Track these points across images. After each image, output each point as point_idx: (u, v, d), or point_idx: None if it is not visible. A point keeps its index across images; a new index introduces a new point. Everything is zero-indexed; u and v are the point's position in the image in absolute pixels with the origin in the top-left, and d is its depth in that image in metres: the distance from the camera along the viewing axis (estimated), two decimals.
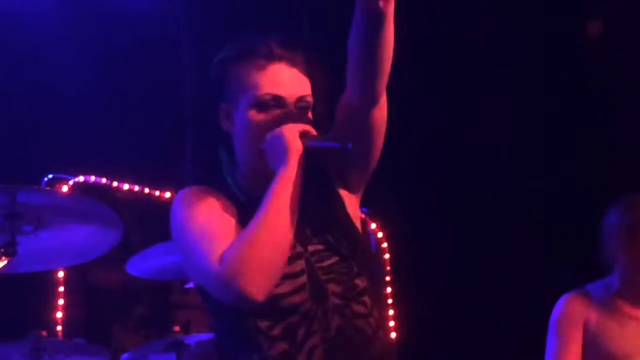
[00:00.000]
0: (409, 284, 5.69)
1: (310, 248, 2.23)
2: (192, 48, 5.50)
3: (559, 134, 5.70)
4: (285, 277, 2.16)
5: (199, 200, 2.24)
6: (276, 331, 2.15)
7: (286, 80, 2.28)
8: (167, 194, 5.25)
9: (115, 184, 5.19)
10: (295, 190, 2.15)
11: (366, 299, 2.24)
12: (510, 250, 5.54)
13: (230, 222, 2.19)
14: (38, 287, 4.87)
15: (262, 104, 2.26)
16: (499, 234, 5.55)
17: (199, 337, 4.20)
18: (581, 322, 3.42)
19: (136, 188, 5.25)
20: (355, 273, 2.24)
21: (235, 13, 4.94)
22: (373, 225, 5.72)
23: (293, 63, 2.31)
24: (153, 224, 4.91)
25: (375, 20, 2.14)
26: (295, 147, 2.18)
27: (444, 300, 5.60)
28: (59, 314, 4.89)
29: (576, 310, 3.45)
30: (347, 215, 2.32)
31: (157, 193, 5.29)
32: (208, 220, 2.19)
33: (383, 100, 2.29)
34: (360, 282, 2.24)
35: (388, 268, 5.80)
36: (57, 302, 4.92)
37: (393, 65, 2.25)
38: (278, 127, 2.22)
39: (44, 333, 3.81)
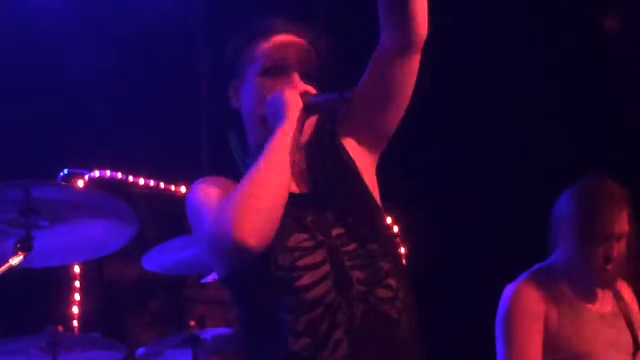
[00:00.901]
0: (424, 277, 5.68)
1: (334, 232, 2.21)
2: (209, 43, 5.50)
3: (566, 130, 5.70)
4: (307, 268, 2.14)
5: (210, 185, 2.26)
6: (301, 325, 2.12)
7: (291, 46, 2.32)
8: (183, 189, 5.26)
9: (131, 179, 5.21)
10: (293, 144, 2.16)
11: (391, 281, 2.20)
12: (527, 243, 5.51)
13: None
14: (54, 282, 4.89)
15: (268, 70, 2.29)
16: (515, 228, 5.53)
17: (215, 332, 4.20)
18: (542, 316, 3.11)
19: (152, 183, 5.27)
20: (379, 255, 2.21)
21: (253, 7, 4.93)
22: (388, 220, 5.72)
23: (297, 34, 2.35)
24: (169, 219, 4.92)
25: None
26: (295, 103, 2.19)
27: (459, 294, 5.59)
28: (75, 309, 4.92)
29: (534, 303, 3.13)
30: (368, 192, 2.30)
31: (173, 188, 5.31)
32: (215, 194, 2.20)
33: (418, 56, 2.29)
34: (384, 265, 2.21)
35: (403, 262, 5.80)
36: (73, 297, 4.94)
37: None
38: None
39: (61, 328, 3.82)
